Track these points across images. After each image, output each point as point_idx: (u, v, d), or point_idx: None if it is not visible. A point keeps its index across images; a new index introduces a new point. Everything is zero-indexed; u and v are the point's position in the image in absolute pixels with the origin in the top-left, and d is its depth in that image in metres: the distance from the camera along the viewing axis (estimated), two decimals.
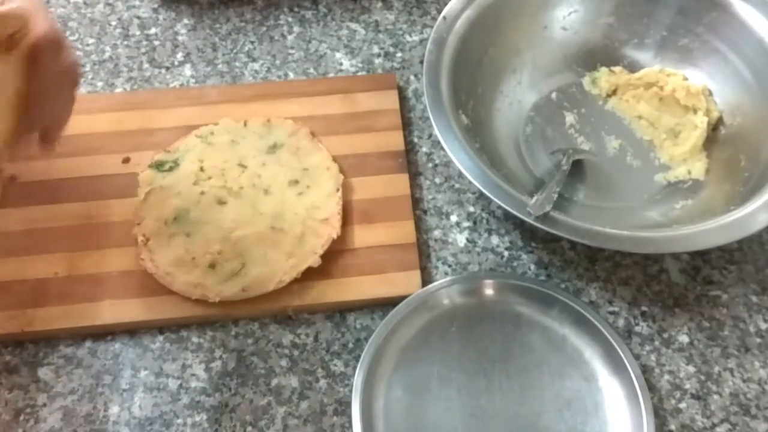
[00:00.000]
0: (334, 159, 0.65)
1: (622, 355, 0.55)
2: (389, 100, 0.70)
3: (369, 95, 0.70)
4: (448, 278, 0.60)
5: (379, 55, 0.75)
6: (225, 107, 0.68)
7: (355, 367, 0.55)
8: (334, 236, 0.60)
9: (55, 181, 0.64)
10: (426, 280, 0.60)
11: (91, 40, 0.76)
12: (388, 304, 0.58)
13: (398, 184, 0.65)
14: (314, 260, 0.59)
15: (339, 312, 0.60)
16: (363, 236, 0.62)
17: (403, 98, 0.72)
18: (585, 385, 0.55)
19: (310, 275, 0.59)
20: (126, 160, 0.65)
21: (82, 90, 0.72)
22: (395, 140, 0.67)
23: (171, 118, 0.68)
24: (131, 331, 0.59)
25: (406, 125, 0.70)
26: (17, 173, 0.64)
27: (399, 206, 0.63)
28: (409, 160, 0.67)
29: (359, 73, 0.74)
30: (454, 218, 0.65)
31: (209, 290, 0.57)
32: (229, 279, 0.58)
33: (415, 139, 0.69)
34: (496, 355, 0.57)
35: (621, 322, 0.60)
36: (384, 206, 0.63)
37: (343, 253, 0.61)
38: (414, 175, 0.67)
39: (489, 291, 0.59)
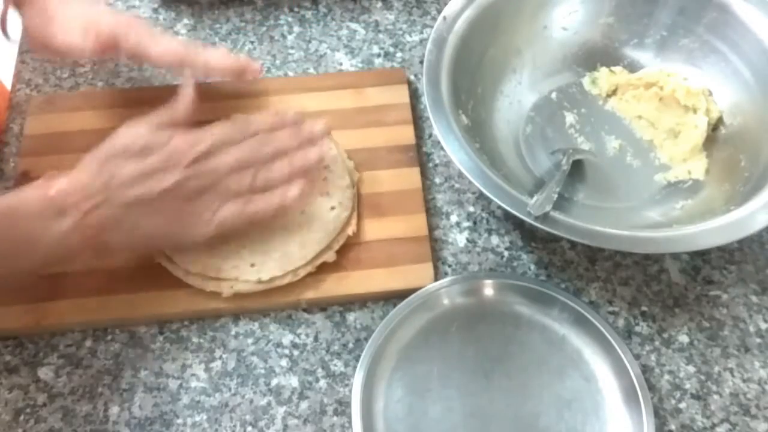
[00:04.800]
0: (348, 155, 0.65)
1: (622, 355, 0.55)
2: (399, 95, 0.70)
3: (379, 90, 0.70)
4: (448, 278, 0.60)
5: (379, 55, 0.75)
6: (235, 102, 0.69)
7: (355, 367, 0.55)
8: (350, 233, 0.61)
9: None
10: None
11: None
12: (400, 296, 0.58)
13: (409, 177, 0.65)
14: (329, 256, 0.59)
15: (339, 312, 0.60)
16: (375, 229, 0.62)
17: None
18: (585, 385, 0.55)
19: (322, 268, 0.59)
20: None
21: (83, 89, 0.72)
22: (406, 134, 0.67)
23: None
24: (133, 330, 0.59)
25: None
26: (30, 168, 0.64)
27: (410, 199, 0.64)
28: None
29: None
30: (454, 218, 0.65)
31: (223, 283, 0.58)
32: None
33: (417, 139, 0.69)
34: (496, 355, 0.57)
35: (621, 322, 0.60)
36: (395, 200, 0.63)
37: (355, 246, 0.61)
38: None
39: (489, 291, 0.59)
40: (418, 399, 0.55)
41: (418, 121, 0.70)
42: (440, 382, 0.55)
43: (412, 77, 0.73)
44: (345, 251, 0.60)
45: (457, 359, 0.56)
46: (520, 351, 0.57)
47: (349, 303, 0.60)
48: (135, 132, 0.54)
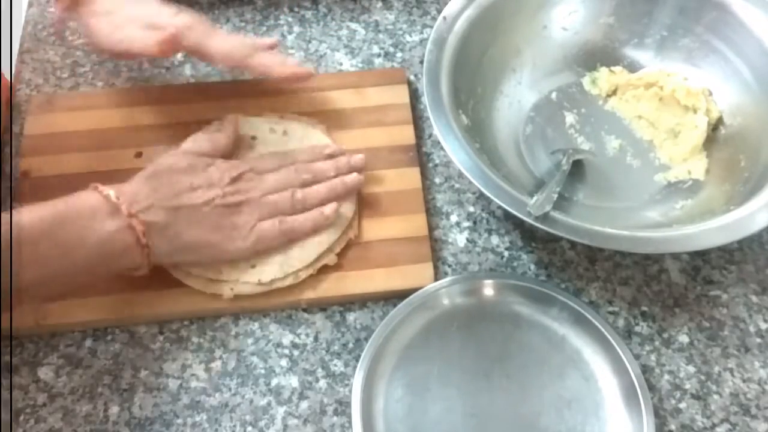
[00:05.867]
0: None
1: (622, 355, 0.55)
2: (399, 94, 0.70)
3: (379, 90, 0.70)
4: (448, 278, 0.60)
5: (379, 55, 0.75)
6: (237, 102, 0.68)
7: (355, 367, 0.56)
8: (352, 236, 0.61)
9: (68, 176, 0.64)
10: None
11: None
12: (400, 296, 0.58)
13: (410, 177, 0.65)
14: (330, 259, 0.59)
15: (339, 312, 0.60)
16: (375, 229, 0.62)
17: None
18: (585, 385, 0.55)
19: (322, 269, 0.59)
20: (138, 155, 0.65)
21: (83, 89, 0.72)
22: (406, 134, 0.67)
23: (183, 112, 0.68)
24: (133, 330, 0.59)
25: None
26: (30, 168, 0.64)
27: (411, 199, 0.64)
28: None
29: None
30: (454, 218, 0.65)
31: (224, 285, 0.58)
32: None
33: (417, 139, 0.69)
34: (496, 355, 0.57)
35: (621, 322, 0.60)
36: (396, 199, 0.64)
37: (355, 246, 0.61)
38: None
39: (489, 291, 0.59)
40: (418, 399, 0.55)
41: (418, 121, 0.70)
42: (440, 382, 0.55)
43: (412, 77, 0.73)
44: (345, 251, 0.61)
45: (457, 359, 0.56)
46: (519, 351, 0.57)
47: (349, 303, 0.60)
48: (179, 156, 0.58)
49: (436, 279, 0.60)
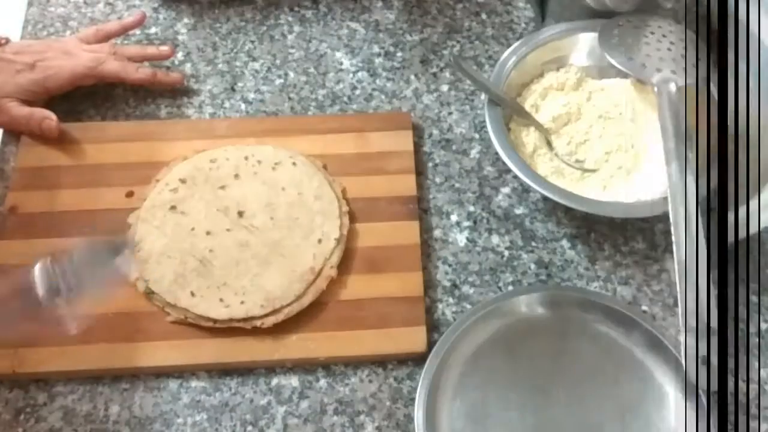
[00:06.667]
0: (347, 200, 0.63)
1: (672, 350, 0.55)
2: (403, 141, 0.67)
3: (382, 135, 0.67)
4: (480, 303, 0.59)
5: (379, 55, 0.75)
6: (234, 141, 0.66)
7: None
8: (333, 275, 0.59)
9: (57, 213, 0.61)
10: (427, 280, 0.61)
11: None
12: (390, 361, 0.57)
13: (408, 231, 0.62)
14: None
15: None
16: (368, 287, 0.59)
17: (404, 98, 0.72)
18: (641, 387, 0.55)
19: (309, 326, 0.57)
20: (130, 194, 0.63)
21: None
22: (407, 184, 0.64)
23: (178, 150, 0.65)
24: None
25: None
26: (18, 203, 0.62)
27: (407, 256, 0.60)
28: None
29: (359, 73, 0.74)
30: (454, 218, 0.65)
31: (201, 317, 0.57)
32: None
33: (416, 139, 0.69)
34: (548, 369, 0.56)
35: None
36: (392, 255, 0.60)
37: (345, 304, 0.58)
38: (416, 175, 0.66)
39: (529, 305, 0.58)
40: (480, 427, 0.53)
41: (419, 122, 0.70)
42: (499, 406, 0.54)
43: (411, 77, 0.73)
44: (335, 309, 0.58)
45: (510, 380, 0.55)
46: (571, 362, 0.56)
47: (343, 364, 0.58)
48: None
49: (437, 279, 0.60)
